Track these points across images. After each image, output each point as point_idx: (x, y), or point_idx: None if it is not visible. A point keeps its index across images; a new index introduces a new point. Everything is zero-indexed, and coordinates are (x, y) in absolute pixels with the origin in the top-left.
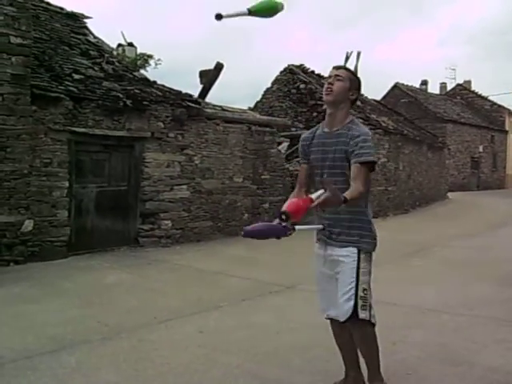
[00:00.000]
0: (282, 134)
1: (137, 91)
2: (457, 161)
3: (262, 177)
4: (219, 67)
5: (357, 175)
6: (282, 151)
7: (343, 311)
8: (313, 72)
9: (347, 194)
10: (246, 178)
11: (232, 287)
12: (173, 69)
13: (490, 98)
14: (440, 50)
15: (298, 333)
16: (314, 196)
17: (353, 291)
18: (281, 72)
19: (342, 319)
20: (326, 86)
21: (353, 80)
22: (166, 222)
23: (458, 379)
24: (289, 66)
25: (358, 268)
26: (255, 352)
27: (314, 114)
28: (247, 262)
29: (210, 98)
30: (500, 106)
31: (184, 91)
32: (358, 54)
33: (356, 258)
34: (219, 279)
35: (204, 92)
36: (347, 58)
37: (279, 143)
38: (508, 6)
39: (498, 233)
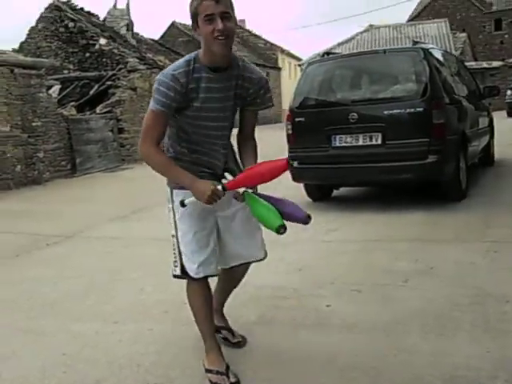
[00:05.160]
0: (53, 77)
1: None
2: None
3: (33, 124)
4: None
5: (254, 126)
6: (54, 95)
7: (261, 247)
8: (82, 9)
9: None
10: (13, 126)
11: (4, 244)
12: None
13: (265, 36)
14: None
15: (76, 281)
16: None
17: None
18: (46, 9)
19: (262, 256)
20: (215, 33)
21: (232, 5)
22: None
23: (231, 300)
24: (54, 1)
25: None
26: (29, 307)
27: (87, 54)
28: (21, 215)
29: None
30: (273, 44)
31: None
32: None
33: None
34: None
35: None
36: None
37: (49, 87)
38: None
39: None
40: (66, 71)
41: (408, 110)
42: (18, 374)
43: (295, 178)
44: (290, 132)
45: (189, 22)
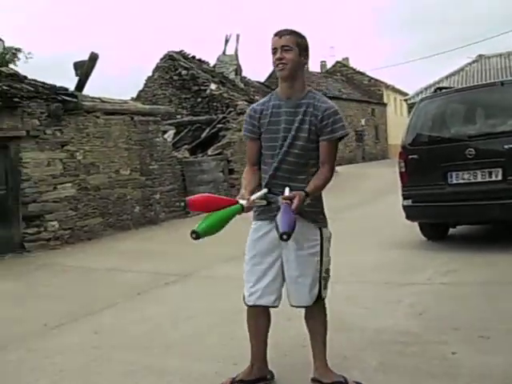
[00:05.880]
0: (167, 122)
1: (5, 88)
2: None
3: (150, 167)
4: (94, 57)
5: (328, 156)
6: (169, 139)
7: (309, 296)
8: (193, 57)
9: (311, 187)
10: (133, 169)
11: (127, 282)
12: (46, 63)
13: (368, 73)
14: (320, 29)
15: (195, 321)
16: (253, 197)
17: (318, 274)
18: (161, 59)
19: (304, 303)
20: (275, 61)
21: (300, 43)
22: (53, 223)
23: (350, 343)
24: (168, 52)
25: (322, 248)
26: (152, 346)
27: (199, 99)
28: (141, 255)
29: (91, 90)
30: (377, 80)
31: (59, 85)
32: (238, 36)
33: (319, 238)
34: (113, 276)
35: (80, 84)
36: (227, 41)
37: (165, 132)
38: None
39: (383, 200)
40: (179, 116)
41: None
42: None
43: (409, 217)
44: (403, 170)
45: None
